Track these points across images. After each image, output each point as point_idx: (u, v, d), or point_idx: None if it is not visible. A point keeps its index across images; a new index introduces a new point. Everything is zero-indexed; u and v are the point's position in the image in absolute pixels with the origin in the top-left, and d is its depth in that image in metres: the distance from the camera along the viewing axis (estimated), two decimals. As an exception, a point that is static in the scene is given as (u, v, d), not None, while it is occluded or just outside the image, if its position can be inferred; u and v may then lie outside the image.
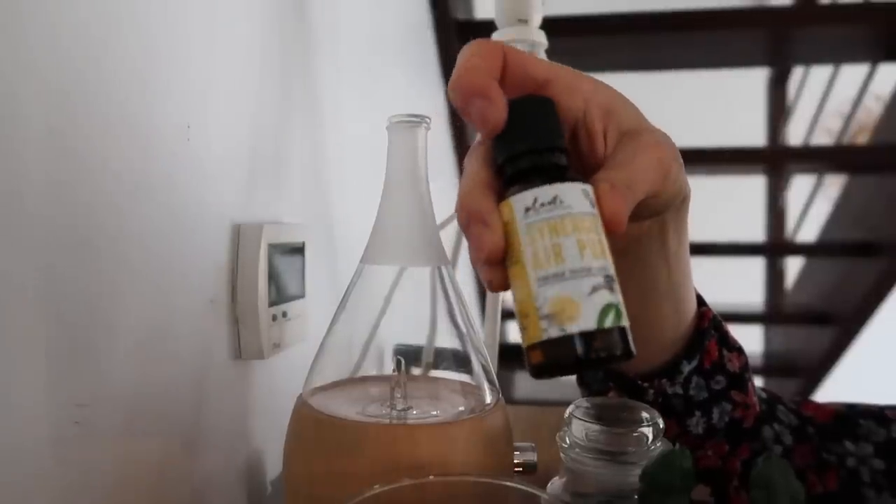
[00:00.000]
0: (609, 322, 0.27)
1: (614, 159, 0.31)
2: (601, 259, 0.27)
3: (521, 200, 0.28)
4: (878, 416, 0.47)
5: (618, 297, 0.27)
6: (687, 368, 0.44)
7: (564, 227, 0.27)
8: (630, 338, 0.28)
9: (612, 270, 0.28)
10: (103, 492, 0.38)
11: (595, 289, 0.27)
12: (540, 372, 0.28)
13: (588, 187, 0.29)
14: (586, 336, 0.27)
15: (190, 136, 0.46)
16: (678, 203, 0.36)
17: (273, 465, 0.59)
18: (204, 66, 0.48)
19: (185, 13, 0.46)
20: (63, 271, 0.34)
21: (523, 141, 0.29)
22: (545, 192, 0.28)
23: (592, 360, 0.27)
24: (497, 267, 0.29)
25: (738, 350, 0.46)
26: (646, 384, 0.44)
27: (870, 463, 0.45)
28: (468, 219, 0.29)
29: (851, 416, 0.47)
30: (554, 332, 0.27)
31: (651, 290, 0.41)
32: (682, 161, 0.34)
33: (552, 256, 0.27)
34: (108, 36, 0.38)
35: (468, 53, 0.31)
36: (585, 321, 0.27)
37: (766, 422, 0.47)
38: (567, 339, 0.27)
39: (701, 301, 0.46)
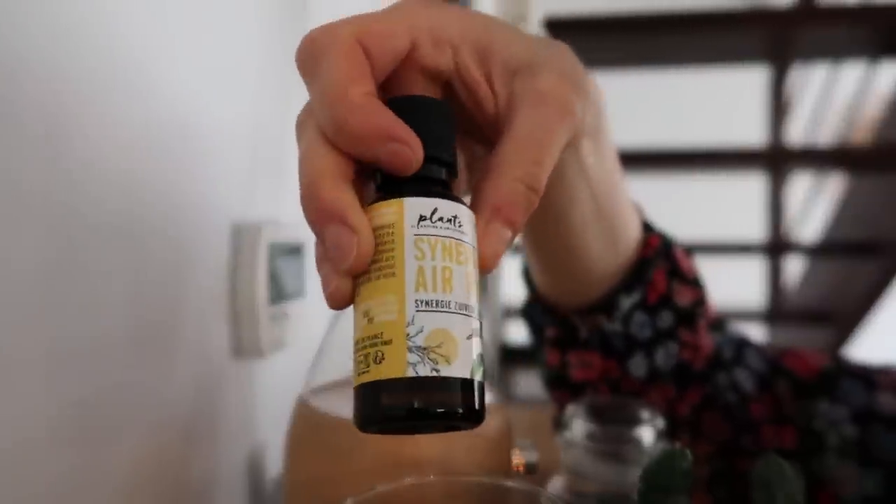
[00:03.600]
0: (479, 375, 0.23)
1: (511, 135, 0.26)
2: (478, 303, 0.24)
3: (417, 206, 0.23)
4: (866, 380, 0.42)
5: (482, 351, 0.24)
6: (627, 303, 0.39)
7: (460, 253, 0.23)
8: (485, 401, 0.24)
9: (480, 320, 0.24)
10: (103, 492, 0.38)
11: (471, 335, 0.23)
12: (386, 418, 0.23)
13: (472, 215, 0.25)
14: (461, 383, 0.23)
15: (189, 136, 0.46)
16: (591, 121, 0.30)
17: (273, 465, 0.59)
18: (204, 65, 0.48)
19: (185, 12, 0.46)
20: (62, 271, 0.34)
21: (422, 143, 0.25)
22: (447, 207, 0.24)
23: (446, 414, 0.23)
24: (349, 278, 0.23)
25: (694, 283, 0.41)
26: (579, 320, 0.40)
27: (841, 428, 0.41)
28: (320, 216, 0.23)
29: (836, 375, 0.43)
30: (423, 370, 0.22)
31: (572, 216, 0.36)
32: (584, 78, 0.28)
33: (440, 281, 0.23)
34: (106, 35, 0.38)
35: (318, 92, 0.26)
36: (461, 366, 0.23)
37: (728, 366, 0.43)
38: (440, 382, 0.22)
39: (649, 228, 0.41)
